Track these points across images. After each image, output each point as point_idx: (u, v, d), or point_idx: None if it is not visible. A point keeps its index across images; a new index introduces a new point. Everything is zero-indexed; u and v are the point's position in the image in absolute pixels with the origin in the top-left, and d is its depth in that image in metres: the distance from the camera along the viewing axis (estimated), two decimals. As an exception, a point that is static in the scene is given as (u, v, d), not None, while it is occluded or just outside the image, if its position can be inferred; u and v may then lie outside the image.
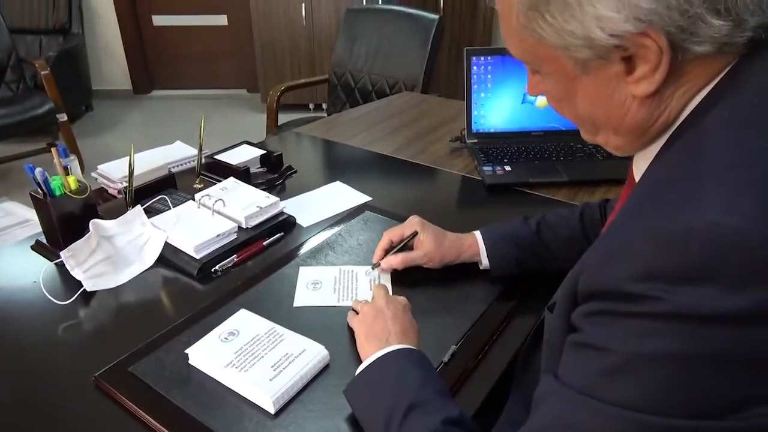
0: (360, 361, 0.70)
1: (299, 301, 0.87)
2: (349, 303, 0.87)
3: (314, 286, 0.91)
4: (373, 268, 0.93)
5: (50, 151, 0.98)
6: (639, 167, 0.56)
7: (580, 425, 0.43)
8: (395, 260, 0.91)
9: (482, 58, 1.45)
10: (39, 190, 0.97)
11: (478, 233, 0.93)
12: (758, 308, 0.36)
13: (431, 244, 0.90)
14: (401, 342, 0.69)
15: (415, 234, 0.92)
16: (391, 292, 0.87)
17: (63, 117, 3.03)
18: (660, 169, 0.48)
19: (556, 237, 0.90)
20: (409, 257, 0.91)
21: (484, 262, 0.91)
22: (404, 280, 0.92)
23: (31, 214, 1.36)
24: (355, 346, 0.76)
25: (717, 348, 0.37)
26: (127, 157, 1.27)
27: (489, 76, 1.45)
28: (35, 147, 3.28)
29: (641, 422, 0.39)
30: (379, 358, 0.67)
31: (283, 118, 2.57)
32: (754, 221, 0.36)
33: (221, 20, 4.30)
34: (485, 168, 1.31)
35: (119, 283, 0.93)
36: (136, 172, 1.11)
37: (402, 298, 0.80)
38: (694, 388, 0.38)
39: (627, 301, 0.40)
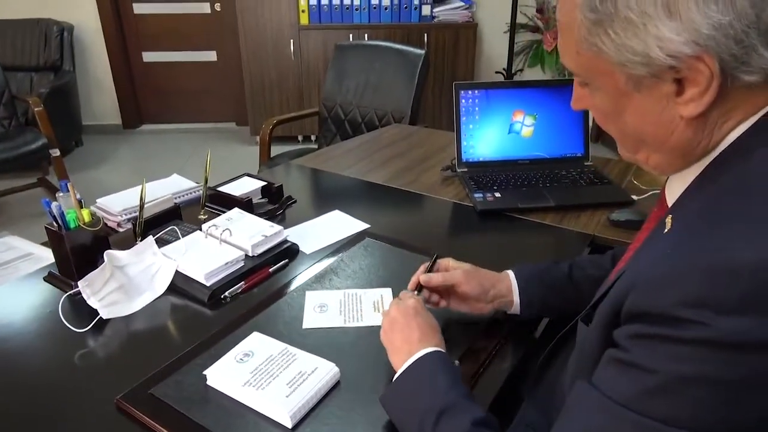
0: (372, 377, 0.75)
1: (308, 323, 0.92)
2: (355, 324, 0.92)
3: (321, 309, 0.95)
4: (418, 293, 0.88)
5: (40, 186, 1.02)
6: (672, 191, 0.59)
7: None
8: (436, 277, 0.88)
9: (470, 92, 1.53)
10: (54, 223, 1.01)
11: (510, 272, 0.91)
12: None
13: (467, 269, 0.90)
14: (422, 347, 0.73)
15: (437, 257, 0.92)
16: None
17: (56, 152, 3.06)
18: (705, 199, 0.50)
19: (586, 277, 0.89)
20: (448, 274, 0.88)
21: (515, 300, 0.88)
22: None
23: (33, 248, 1.39)
24: (364, 364, 0.81)
25: (757, 374, 0.41)
26: (125, 191, 1.34)
27: (476, 108, 1.53)
28: (26, 182, 3.30)
29: None
30: (405, 369, 0.72)
31: (273, 150, 2.64)
32: None
33: (211, 56, 4.40)
34: (476, 195, 1.38)
35: (133, 311, 0.97)
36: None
37: (411, 301, 0.81)
38: (734, 410, 0.42)
39: (673, 325, 0.43)
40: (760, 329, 0.40)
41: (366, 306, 0.96)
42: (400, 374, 0.72)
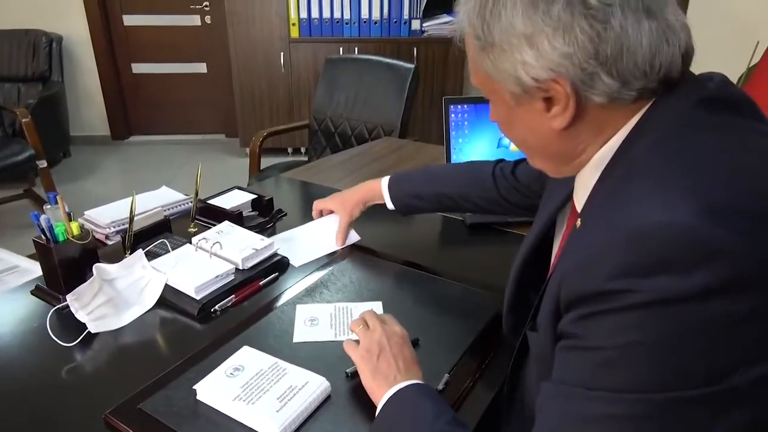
0: (362, 391, 0.75)
1: (298, 337, 0.92)
2: (345, 338, 0.91)
3: (311, 322, 0.95)
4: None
5: (27, 198, 1.02)
6: (579, 198, 0.66)
7: (586, 414, 0.50)
8: (340, 235, 1.22)
9: (459, 107, 1.55)
10: (42, 236, 1.01)
11: (384, 179, 1.18)
12: (708, 285, 0.44)
13: (337, 204, 1.23)
14: (407, 378, 0.74)
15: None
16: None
17: (43, 163, 3.04)
18: (601, 194, 0.57)
19: (454, 171, 1.15)
20: (342, 226, 1.22)
21: (389, 206, 1.18)
22: (394, 312, 0.98)
23: (20, 260, 1.37)
24: (354, 378, 0.81)
25: (690, 324, 0.45)
26: (114, 203, 1.33)
27: (465, 122, 1.55)
28: (12, 193, 3.27)
29: (642, 400, 0.46)
30: (391, 397, 0.71)
31: (263, 162, 2.64)
32: (691, 216, 0.45)
33: (201, 68, 4.40)
34: (465, 208, 1.39)
35: (121, 325, 0.96)
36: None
37: (398, 329, 0.83)
38: (682, 362, 0.45)
39: (606, 299, 0.48)
40: (678, 283, 0.44)
41: None
42: (386, 403, 0.72)
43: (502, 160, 1.10)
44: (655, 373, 0.46)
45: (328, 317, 0.97)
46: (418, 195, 1.15)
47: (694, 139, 0.52)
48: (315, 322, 0.96)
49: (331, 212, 1.27)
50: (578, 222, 0.60)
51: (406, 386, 0.72)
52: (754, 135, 0.54)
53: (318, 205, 1.28)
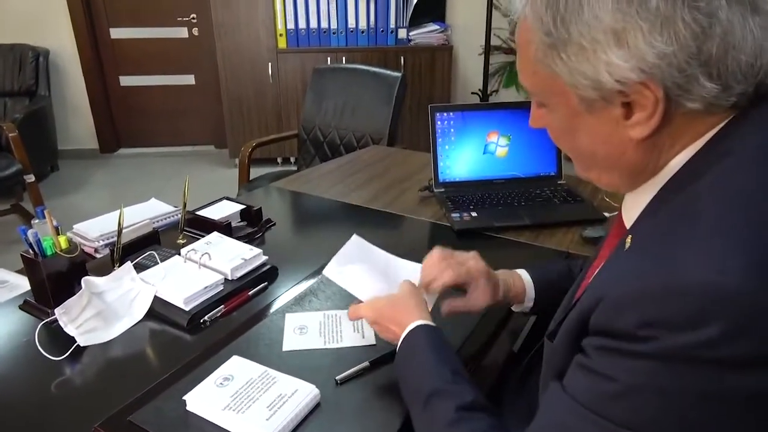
0: (352, 398, 0.76)
1: (288, 345, 0.92)
2: (335, 345, 0.92)
3: (301, 330, 0.96)
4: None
5: (15, 213, 1.02)
6: (629, 212, 0.62)
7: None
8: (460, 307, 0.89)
9: (445, 114, 1.57)
10: (30, 250, 1.01)
11: (523, 273, 0.94)
12: (745, 353, 0.42)
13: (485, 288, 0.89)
14: (412, 320, 0.79)
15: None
16: None
17: (30, 178, 3.02)
18: (659, 220, 0.53)
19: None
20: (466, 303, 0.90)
21: (527, 303, 0.93)
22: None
23: (8, 275, 1.36)
24: (344, 385, 0.83)
25: (698, 386, 0.44)
26: (102, 216, 1.33)
27: (452, 129, 1.57)
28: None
29: None
30: (400, 345, 0.78)
31: (253, 172, 2.64)
32: (741, 278, 0.42)
33: (189, 80, 4.41)
34: (453, 215, 1.41)
35: (111, 338, 0.96)
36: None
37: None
38: (685, 418, 0.45)
39: (631, 341, 0.47)
40: (706, 344, 0.43)
41: (346, 327, 0.97)
42: (399, 349, 0.77)
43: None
44: (659, 420, 0.46)
45: (318, 325, 0.97)
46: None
47: None
48: (304, 330, 0.96)
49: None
50: (628, 241, 0.55)
51: (405, 336, 0.78)
52: None
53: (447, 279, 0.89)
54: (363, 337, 0.94)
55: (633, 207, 0.60)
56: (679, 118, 0.51)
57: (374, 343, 0.92)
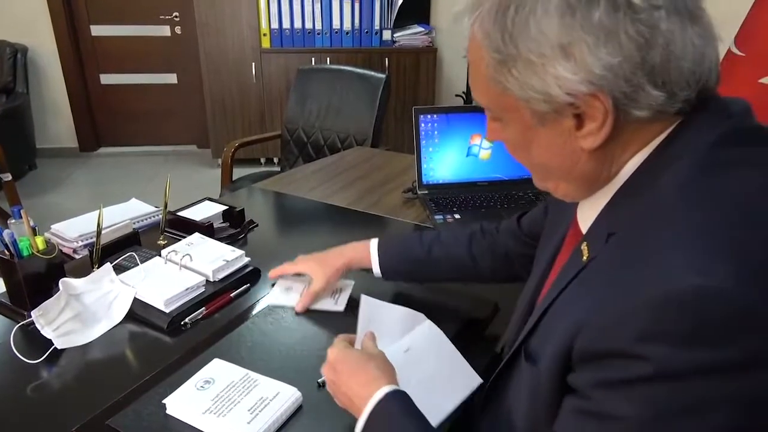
0: (333, 401, 0.75)
1: (271, 301, 1.04)
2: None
3: (287, 291, 1.05)
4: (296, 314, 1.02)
5: None
6: (584, 217, 0.62)
7: None
8: (306, 300, 1.01)
9: (429, 116, 1.57)
10: (6, 251, 0.99)
11: (373, 243, 1.03)
12: (746, 357, 0.42)
13: (316, 267, 1.02)
14: (369, 396, 0.68)
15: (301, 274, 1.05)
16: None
17: (7, 177, 2.96)
18: (620, 227, 0.53)
19: (447, 256, 0.99)
20: (312, 291, 1.01)
21: (375, 271, 1.02)
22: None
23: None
24: (325, 390, 0.78)
25: (718, 396, 0.43)
26: (81, 216, 1.31)
27: (436, 132, 1.57)
28: (-25, 208, 3.18)
29: None
30: (368, 416, 0.67)
31: (235, 173, 2.62)
32: (731, 281, 0.43)
33: (171, 78, 4.36)
34: (437, 216, 1.41)
35: (89, 340, 0.95)
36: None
37: (353, 355, 0.75)
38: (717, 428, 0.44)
39: (632, 364, 0.45)
40: (711, 355, 0.43)
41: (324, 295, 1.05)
42: (364, 423, 0.67)
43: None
44: None
45: (303, 289, 1.06)
46: (415, 260, 1.01)
47: (731, 179, 0.49)
48: (290, 290, 1.06)
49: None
50: (584, 249, 0.56)
51: (381, 399, 0.67)
52: None
53: (287, 268, 1.06)
54: (336, 303, 1.04)
55: (588, 211, 0.61)
56: (629, 126, 0.53)
57: (342, 310, 1.02)
